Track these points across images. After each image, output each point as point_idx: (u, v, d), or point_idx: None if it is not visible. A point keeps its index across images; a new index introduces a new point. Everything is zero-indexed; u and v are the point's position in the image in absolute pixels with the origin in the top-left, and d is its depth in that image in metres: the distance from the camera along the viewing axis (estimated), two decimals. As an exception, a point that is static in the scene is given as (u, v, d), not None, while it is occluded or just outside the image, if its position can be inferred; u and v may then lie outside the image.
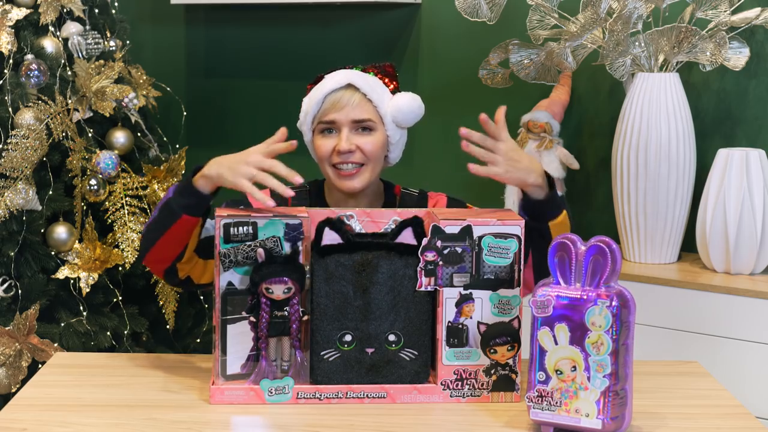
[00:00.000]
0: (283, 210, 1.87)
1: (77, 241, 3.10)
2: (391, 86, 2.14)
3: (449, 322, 1.82)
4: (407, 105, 2.11)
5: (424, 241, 1.81)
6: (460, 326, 1.82)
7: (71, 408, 1.81)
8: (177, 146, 3.48)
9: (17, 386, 2.96)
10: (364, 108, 2.08)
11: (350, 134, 2.08)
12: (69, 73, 3.15)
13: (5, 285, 2.99)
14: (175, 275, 2.00)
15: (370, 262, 1.83)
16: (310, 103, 2.12)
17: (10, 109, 3.01)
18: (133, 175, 3.21)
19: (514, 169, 1.92)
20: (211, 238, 1.92)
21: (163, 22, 3.97)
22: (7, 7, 3.10)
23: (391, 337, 1.84)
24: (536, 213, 1.93)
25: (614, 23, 2.81)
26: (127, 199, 3.17)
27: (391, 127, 2.11)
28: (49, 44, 3.14)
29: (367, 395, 1.84)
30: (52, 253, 3.07)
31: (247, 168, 1.88)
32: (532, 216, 1.93)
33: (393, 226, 1.86)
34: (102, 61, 3.20)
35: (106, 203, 3.16)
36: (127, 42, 3.41)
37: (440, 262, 1.81)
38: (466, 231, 1.81)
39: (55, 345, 2.99)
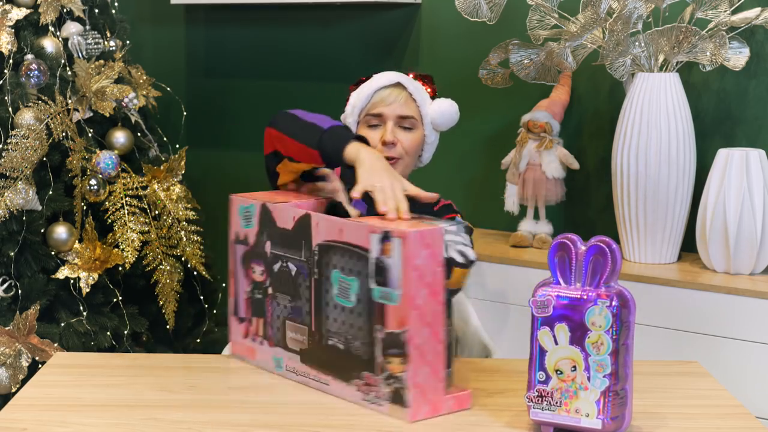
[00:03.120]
0: None
1: (77, 241, 3.10)
2: (430, 90, 2.36)
3: None
4: (448, 109, 2.33)
5: None
6: None
7: (71, 408, 1.81)
8: (177, 146, 3.48)
9: (17, 386, 2.96)
10: (409, 106, 2.29)
11: (394, 128, 2.26)
12: (69, 73, 3.15)
13: (5, 285, 2.99)
14: (275, 159, 2.07)
15: None
16: (358, 97, 2.30)
17: (10, 109, 3.01)
18: (133, 175, 3.21)
19: None
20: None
21: (163, 22, 3.97)
22: (7, 7, 3.10)
23: None
24: None
25: (614, 23, 2.81)
26: (127, 199, 3.17)
27: (429, 129, 2.32)
28: (49, 44, 3.14)
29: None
30: (52, 253, 3.07)
31: (391, 184, 1.85)
32: None
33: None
34: (102, 61, 3.20)
35: (106, 203, 3.15)
36: (127, 42, 3.41)
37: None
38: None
39: (55, 345, 2.99)
